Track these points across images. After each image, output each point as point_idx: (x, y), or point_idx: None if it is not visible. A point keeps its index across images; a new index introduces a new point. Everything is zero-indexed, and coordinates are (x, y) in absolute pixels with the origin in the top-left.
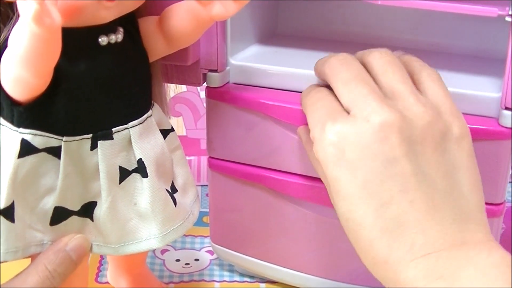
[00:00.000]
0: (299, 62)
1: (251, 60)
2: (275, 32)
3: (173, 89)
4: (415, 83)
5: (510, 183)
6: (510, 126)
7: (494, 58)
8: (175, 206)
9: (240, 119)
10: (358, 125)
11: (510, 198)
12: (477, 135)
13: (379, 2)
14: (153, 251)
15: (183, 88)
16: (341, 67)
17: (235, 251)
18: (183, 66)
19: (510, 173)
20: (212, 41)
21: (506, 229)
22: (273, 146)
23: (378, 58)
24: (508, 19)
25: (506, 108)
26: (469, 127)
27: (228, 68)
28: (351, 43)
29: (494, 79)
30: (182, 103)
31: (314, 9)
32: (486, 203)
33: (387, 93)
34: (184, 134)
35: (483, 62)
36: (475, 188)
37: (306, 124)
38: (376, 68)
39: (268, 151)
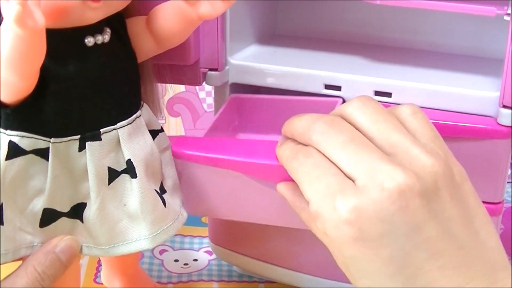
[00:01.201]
0: (298, 62)
1: (250, 60)
2: (274, 32)
3: (171, 90)
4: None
5: (510, 184)
6: (509, 124)
7: (493, 57)
8: (165, 206)
9: (209, 176)
10: (374, 197)
11: (509, 199)
12: (476, 134)
13: (378, 2)
14: (152, 251)
15: (181, 88)
16: (331, 131)
17: (234, 251)
18: (183, 66)
19: (509, 173)
20: (212, 40)
21: (505, 230)
22: (245, 199)
23: (361, 111)
24: (506, 18)
25: (505, 107)
26: (468, 126)
27: (227, 67)
28: (350, 43)
29: (492, 78)
30: (180, 103)
31: (313, 9)
32: (485, 202)
33: (386, 148)
34: (183, 134)
35: (482, 62)
36: (490, 229)
37: (282, 179)
38: (363, 122)
39: (241, 204)
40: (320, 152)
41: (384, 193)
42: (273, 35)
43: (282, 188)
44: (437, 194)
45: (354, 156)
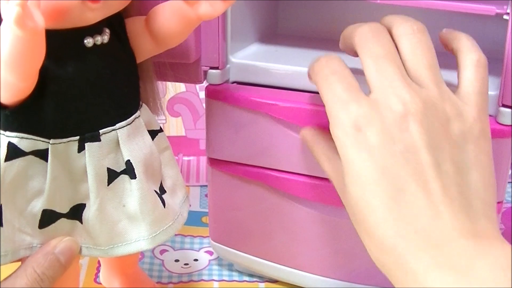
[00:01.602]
0: (298, 61)
1: (251, 58)
2: (276, 32)
3: (172, 89)
4: (457, 60)
5: (510, 184)
6: (508, 123)
7: (492, 56)
8: (164, 207)
9: (241, 119)
10: (381, 111)
11: (510, 199)
12: None
13: (378, 1)
14: (152, 251)
15: (182, 88)
16: (372, 40)
17: (234, 249)
18: (184, 64)
19: (510, 173)
20: (213, 39)
21: (506, 230)
22: (273, 145)
23: (409, 36)
24: (506, 17)
25: (504, 106)
26: None
27: (228, 66)
28: None
29: (492, 77)
30: (181, 103)
31: (315, 8)
32: None
33: (413, 76)
34: (183, 134)
35: None
36: (488, 188)
37: (308, 123)
38: (405, 47)
39: (268, 151)
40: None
41: (391, 113)
42: (275, 34)
43: (306, 132)
44: (442, 135)
45: (382, 72)
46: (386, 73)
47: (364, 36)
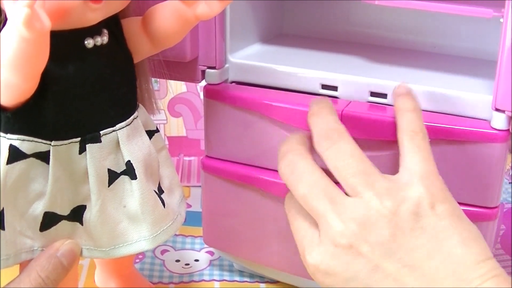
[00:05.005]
0: (297, 62)
1: (250, 58)
2: (281, 33)
3: (173, 90)
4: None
5: (510, 184)
6: (501, 128)
7: (491, 59)
8: (164, 207)
9: (238, 119)
10: (332, 251)
11: (510, 199)
12: (470, 138)
13: (376, 2)
14: (153, 251)
15: (183, 88)
16: (295, 174)
17: (228, 253)
18: (182, 63)
19: (510, 174)
20: (210, 38)
21: (506, 230)
22: (270, 146)
23: (326, 150)
24: (502, 20)
25: (498, 110)
26: (462, 129)
27: (227, 65)
28: (354, 43)
29: (488, 81)
30: (182, 104)
31: (319, 9)
32: (480, 207)
33: (347, 187)
34: (184, 134)
35: (480, 64)
36: (466, 245)
37: (305, 125)
38: (328, 163)
39: (265, 151)
40: None
41: (336, 248)
42: (279, 35)
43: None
44: (393, 234)
45: (312, 207)
46: (316, 208)
47: (287, 172)
